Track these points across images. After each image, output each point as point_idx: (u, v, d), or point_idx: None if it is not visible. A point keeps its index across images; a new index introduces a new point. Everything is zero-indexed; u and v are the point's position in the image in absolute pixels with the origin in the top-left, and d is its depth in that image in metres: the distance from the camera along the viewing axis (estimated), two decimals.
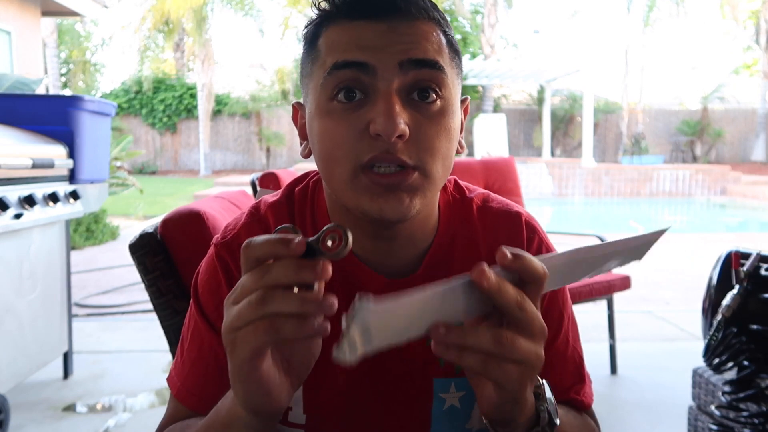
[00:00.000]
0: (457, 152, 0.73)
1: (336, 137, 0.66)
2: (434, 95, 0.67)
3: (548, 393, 0.62)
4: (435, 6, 0.70)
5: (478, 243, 0.79)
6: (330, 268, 0.51)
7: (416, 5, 0.67)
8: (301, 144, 0.76)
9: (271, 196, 0.81)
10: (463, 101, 0.75)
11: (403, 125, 0.63)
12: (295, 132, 0.76)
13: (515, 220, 0.80)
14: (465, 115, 0.76)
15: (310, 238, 0.52)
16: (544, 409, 0.60)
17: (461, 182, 0.83)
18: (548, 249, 0.81)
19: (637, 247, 0.63)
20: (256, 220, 0.78)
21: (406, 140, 0.65)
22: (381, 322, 0.48)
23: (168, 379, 0.79)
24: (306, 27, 0.72)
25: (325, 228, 0.52)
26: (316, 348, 0.58)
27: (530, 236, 0.80)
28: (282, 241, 0.52)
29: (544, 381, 0.62)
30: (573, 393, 0.80)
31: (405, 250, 0.75)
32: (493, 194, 0.84)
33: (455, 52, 0.71)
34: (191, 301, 0.78)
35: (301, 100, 0.76)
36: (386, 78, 0.65)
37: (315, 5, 0.71)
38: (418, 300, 0.49)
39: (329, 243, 0.52)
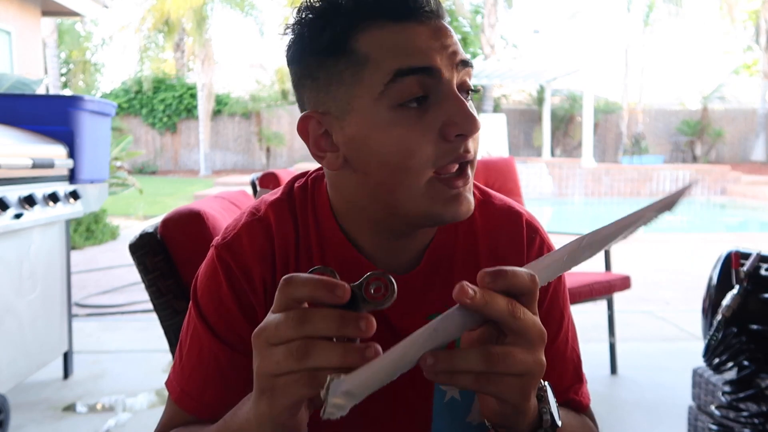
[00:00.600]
0: None
1: (411, 145, 0.65)
2: (472, 90, 0.70)
3: (551, 395, 0.61)
4: (450, 12, 0.73)
5: (479, 240, 0.79)
6: (374, 324, 0.49)
7: (442, 8, 0.70)
8: (321, 156, 0.71)
9: (270, 195, 0.80)
10: None
11: (479, 121, 0.66)
12: (296, 131, 0.75)
13: (516, 219, 0.80)
14: None
15: (353, 284, 0.50)
16: (546, 411, 0.60)
17: None
18: (549, 249, 0.81)
19: (661, 207, 0.58)
20: (257, 219, 0.76)
21: None
22: (361, 384, 0.47)
23: (167, 383, 0.78)
24: (321, 31, 0.67)
25: (368, 275, 0.51)
26: None
27: (531, 236, 0.80)
28: (327, 286, 0.49)
29: (546, 383, 0.61)
30: (572, 393, 0.80)
31: (409, 247, 0.76)
32: (494, 192, 0.83)
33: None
34: (190, 304, 0.77)
35: (313, 109, 0.70)
36: (448, 78, 0.66)
37: (330, 5, 0.67)
38: (398, 353, 0.49)
39: (372, 290, 0.50)
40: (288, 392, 0.51)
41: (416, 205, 0.67)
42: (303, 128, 0.71)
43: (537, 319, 0.54)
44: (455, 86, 0.66)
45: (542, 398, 0.60)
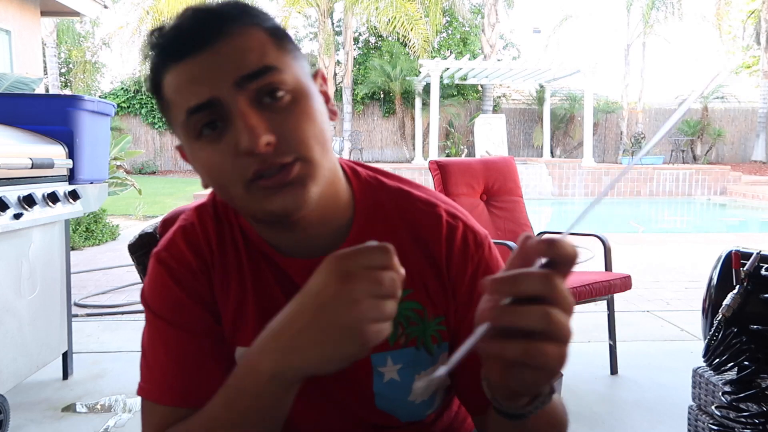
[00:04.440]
0: (331, 119, 0.74)
1: (216, 166, 0.69)
2: (281, 92, 0.68)
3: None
4: (245, 8, 0.70)
5: (398, 229, 0.81)
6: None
7: (227, 22, 0.68)
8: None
9: (198, 201, 0.85)
10: (315, 74, 0.76)
11: (265, 135, 0.65)
12: None
13: (433, 209, 0.82)
14: (325, 83, 0.77)
15: None
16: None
17: (380, 170, 0.86)
18: (475, 234, 0.82)
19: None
20: (188, 223, 0.82)
21: (276, 142, 0.66)
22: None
23: (139, 392, 0.79)
24: (148, 81, 0.74)
25: None
26: None
27: (452, 224, 0.81)
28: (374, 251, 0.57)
29: None
30: None
31: (320, 234, 0.78)
32: (419, 187, 0.86)
33: (283, 37, 0.71)
34: (145, 313, 0.80)
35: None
36: (232, 100, 0.66)
37: (146, 59, 0.72)
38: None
39: None
40: (378, 336, 0.57)
41: (251, 207, 0.70)
42: (184, 159, 0.76)
43: (567, 319, 0.53)
44: (244, 101, 0.66)
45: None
